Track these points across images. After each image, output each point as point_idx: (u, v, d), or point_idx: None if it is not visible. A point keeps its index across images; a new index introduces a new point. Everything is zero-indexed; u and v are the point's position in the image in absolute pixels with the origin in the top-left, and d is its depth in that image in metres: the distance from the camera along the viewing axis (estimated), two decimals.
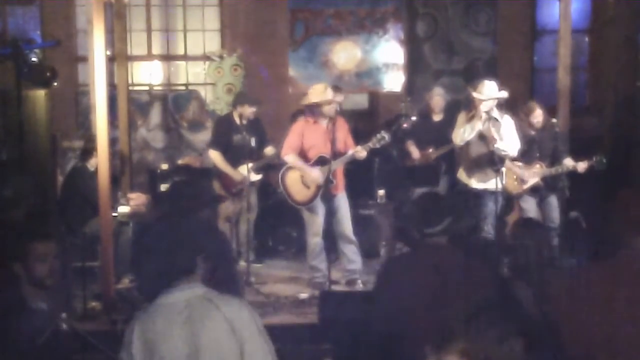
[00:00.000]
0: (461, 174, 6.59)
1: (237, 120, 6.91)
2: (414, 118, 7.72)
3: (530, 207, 6.63)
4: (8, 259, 3.48)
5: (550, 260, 6.09)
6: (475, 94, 6.27)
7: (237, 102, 7.00)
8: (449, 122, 7.36)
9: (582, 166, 6.48)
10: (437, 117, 7.63)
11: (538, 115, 6.55)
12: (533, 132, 6.57)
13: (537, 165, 6.56)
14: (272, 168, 7.21)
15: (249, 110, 6.86)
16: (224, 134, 6.96)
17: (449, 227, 3.42)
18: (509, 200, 6.66)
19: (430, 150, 7.45)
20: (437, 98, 7.61)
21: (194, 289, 2.61)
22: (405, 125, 7.50)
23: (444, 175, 7.38)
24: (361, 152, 6.14)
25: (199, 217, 3.84)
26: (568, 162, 6.54)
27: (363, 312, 3.83)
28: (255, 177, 6.93)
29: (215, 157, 6.94)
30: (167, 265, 2.61)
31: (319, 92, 6.28)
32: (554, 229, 6.67)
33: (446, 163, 7.42)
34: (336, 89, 6.81)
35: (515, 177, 6.57)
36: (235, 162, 6.89)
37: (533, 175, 6.55)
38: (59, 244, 3.59)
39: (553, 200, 6.66)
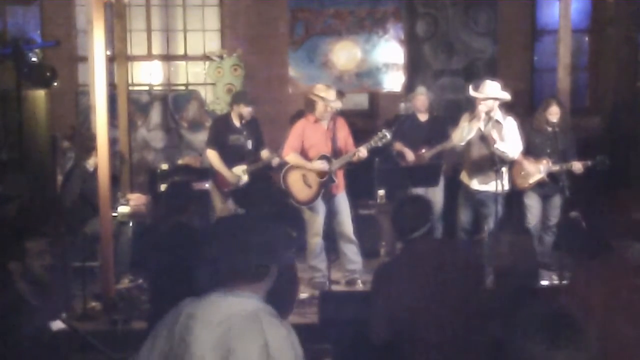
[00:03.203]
0: (463, 176, 6.58)
1: (235, 121, 6.91)
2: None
3: (533, 203, 6.64)
4: (2, 257, 3.49)
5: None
6: (473, 92, 6.25)
7: (234, 102, 7.00)
8: (438, 121, 7.35)
9: (583, 166, 6.47)
10: (423, 117, 7.56)
11: (554, 113, 6.47)
12: (549, 129, 6.50)
13: (544, 161, 6.54)
14: (268, 171, 7.19)
15: (246, 110, 6.86)
16: (220, 134, 6.95)
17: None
18: (515, 197, 6.66)
19: (424, 150, 7.42)
20: (421, 97, 7.55)
21: (250, 300, 2.34)
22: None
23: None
24: (362, 152, 6.16)
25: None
26: (574, 163, 6.54)
27: (363, 313, 3.83)
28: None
29: (211, 156, 6.93)
30: (236, 263, 2.33)
31: (321, 89, 6.39)
32: (550, 227, 6.68)
33: (445, 163, 7.41)
34: (339, 94, 6.83)
35: (522, 171, 6.57)
36: (230, 162, 6.87)
37: (538, 170, 6.54)
38: (57, 243, 3.60)
39: (556, 200, 6.64)
